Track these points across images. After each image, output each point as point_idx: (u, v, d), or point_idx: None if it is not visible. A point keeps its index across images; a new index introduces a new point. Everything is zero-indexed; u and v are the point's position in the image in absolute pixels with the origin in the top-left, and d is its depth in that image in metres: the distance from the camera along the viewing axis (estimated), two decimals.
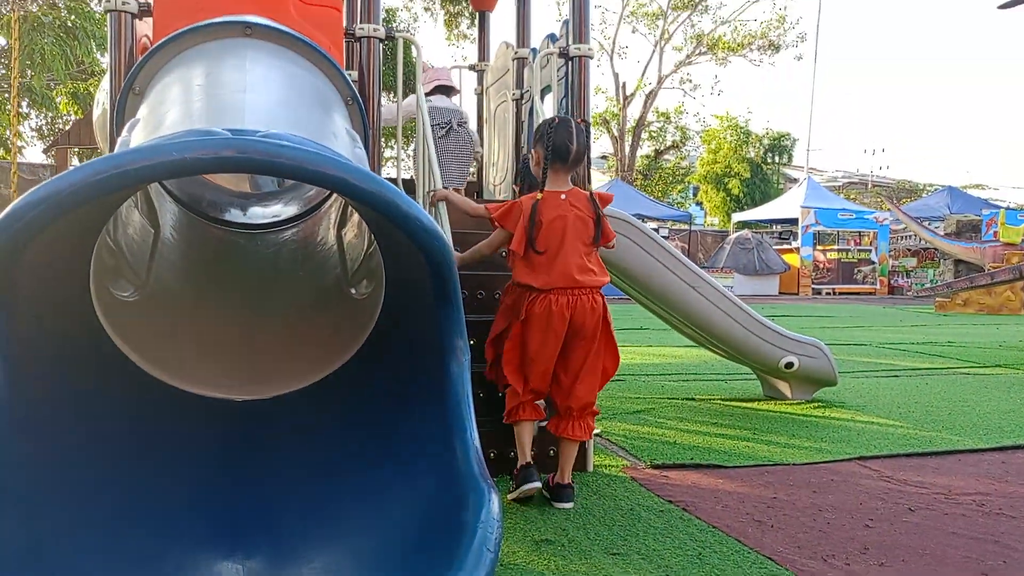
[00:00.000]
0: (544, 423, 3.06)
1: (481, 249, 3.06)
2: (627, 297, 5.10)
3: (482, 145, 5.76)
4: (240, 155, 1.54)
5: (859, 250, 23.71)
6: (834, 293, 22.63)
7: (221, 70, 2.44)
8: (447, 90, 5.38)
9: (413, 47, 4.25)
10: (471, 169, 5.61)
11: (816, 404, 4.89)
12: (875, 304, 18.10)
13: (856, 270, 23.41)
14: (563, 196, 2.88)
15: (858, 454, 3.63)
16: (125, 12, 3.26)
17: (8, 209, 1.44)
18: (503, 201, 3.74)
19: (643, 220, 20.79)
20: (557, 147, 2.87)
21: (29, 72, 7.25)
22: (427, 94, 5.00)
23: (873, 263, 23.46)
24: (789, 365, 4.76)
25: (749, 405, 4.90)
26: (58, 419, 1.83)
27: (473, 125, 5.78)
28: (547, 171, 2.89)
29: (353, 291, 2.55)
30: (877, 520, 2.72)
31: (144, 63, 2.57)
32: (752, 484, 3.18)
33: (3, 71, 12.23)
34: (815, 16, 26.10)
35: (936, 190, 29.35)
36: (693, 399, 5.10)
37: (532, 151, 3.03)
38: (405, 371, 2.15)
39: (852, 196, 33.59)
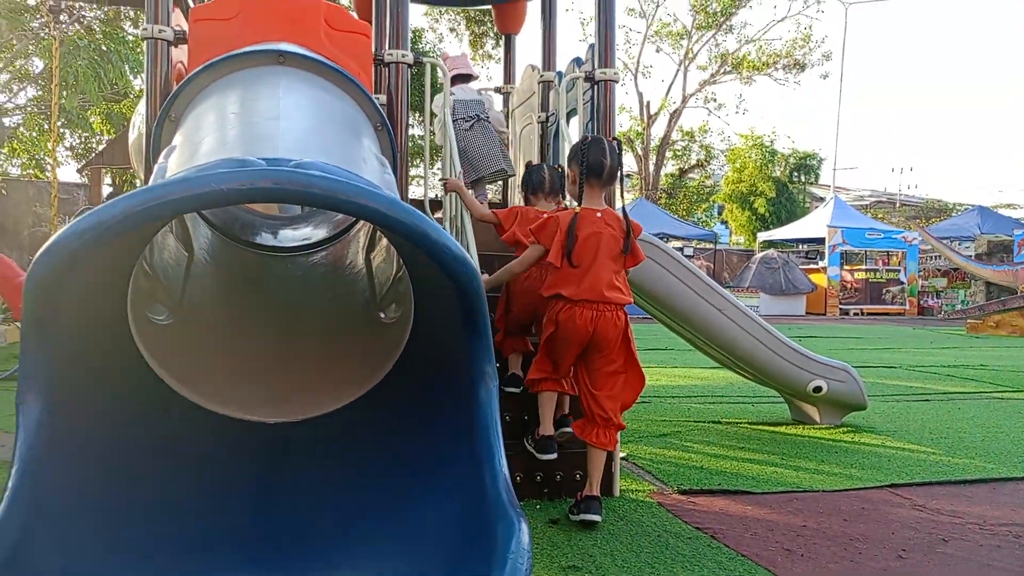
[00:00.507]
0: (568, 431, 3.15)
1: (512, 268, 3.13)
2: (651, 317, 5.09)
3: (507, 126, 5.79)
4: (276, 186, 1.57)
5: (887, 270, 23.42)
6: (862, 313, 22.34)
7: (255, 98, 2.50)
8: (466, 78, 5.39)
9: (440, 71, 4.31)
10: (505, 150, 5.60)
11: (845, 429, 4.83)
12: (904, 325, 17.84)
13: (884, 290, 23.11)
14: (599, 214, 2.98)
15: (889, 481, 3.58)
16: (161, 40, 3.34)
17: (53, 238, 1.48)
18: (509, 207, 3.83)
19: (667, 239, 20.76)
20: (592, 165, 2.98)
21: (63, 93, 7.44)
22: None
23: (902, 283, 23.14)
24: (817, 389, 4.70)
25: (776, 429, 4.84)
26: (94, 442, 1.86)
27: (498, 105, 5.83)
28: (583, 189, 2.99)
29: (382, 315, 2.57)
30: (910, 551, 2.67)
31: (180, 91, 2.63)
32: (781, 511, 3.14)
33: (37, 92, 12.55)
34: (841, 34, 25.97)
35: (966, 210, 28.93)
36: (719, 422, 5.05)
37: (568, 170, 3.15)
38: (433, 396, 2.16)
39: (880, 215, 33.23)
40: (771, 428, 4.87)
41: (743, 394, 6.18)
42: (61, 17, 6.23)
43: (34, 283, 1.52)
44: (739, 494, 3.38)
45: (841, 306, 22.50)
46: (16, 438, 1.66)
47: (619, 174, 3.09)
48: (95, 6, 10.86)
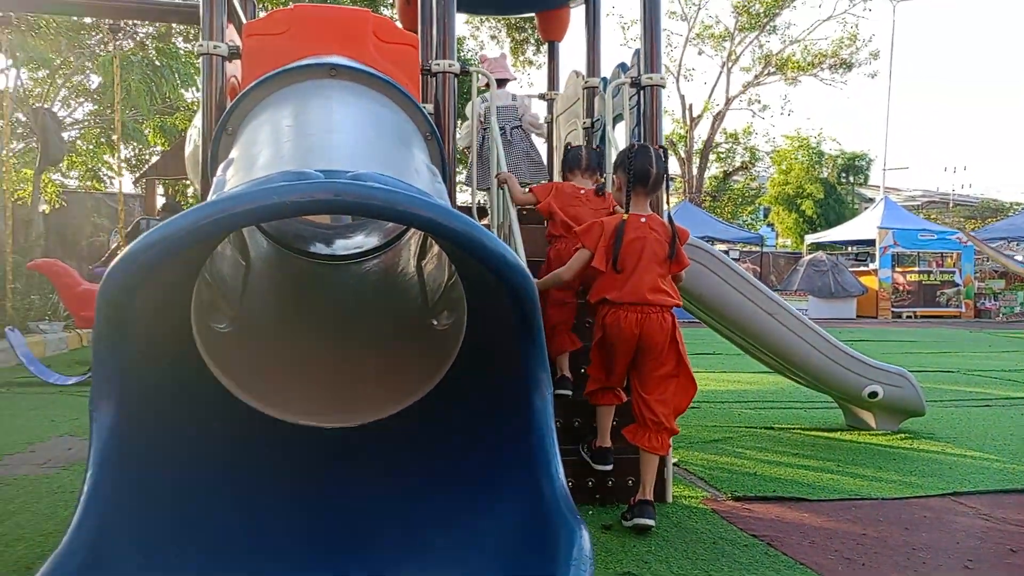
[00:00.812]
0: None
1: (561, 275, 3.14)
2: (698, 321, 5.04)
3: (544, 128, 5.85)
4: (335, 197, 1.61)
5: (941, 272, 22.78)
6: (915, 316, 21.77)
7: (309, 111, 2.55)
8: (501, 82, 5.43)
9: (484, 77, 4.34)
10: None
11: (903, 435, 4.71)
12: (960, 328, 17.34)
13: (939, 292, 22.47)
14: (643, 219, 3.04)
15: (952, 489, 3.48)
16: (216, 55, 3.43)
17: (124, 252, 1.54)
18: (546, 183, 3.94)
19: (712, 243, 20.50)
20: (638, 172, 3.04)
21: (116, 105, 7.73)
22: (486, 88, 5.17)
23: (957, 285, 22.48)
24: (873, 394, 4.60)
25: (831, 435, 4.75)
26: (162, 447, 1.92)
27: (540, 110, 5.88)
28: (630, 195, 3.06)
29: (435, 322, 2.60)
30: (977, 561, 2.60)
31: (236, 105, 2.70)
32: (839, 519, 3.08)
33: (93, 107, 12.96)
34: (889, 32, 25.42)
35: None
36: (772, 428, 4.98)
37: (614, 176, 3.23)
38: (488, 403, 2.17)
39: (932, 216, 32.36)
40: (825, 434, 4.78)
41: (795, 399, 6.07)
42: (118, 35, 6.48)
43: (107, 294, 1.58)
44: (795, 501, 3.32)
45: (893, 309, 21.95)
46: (90, 444, 1.72)
47: (664, 181, 3.15)
48: (148, 22, 11.19)
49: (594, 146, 4.25)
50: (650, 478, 2.97)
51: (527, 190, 3.87)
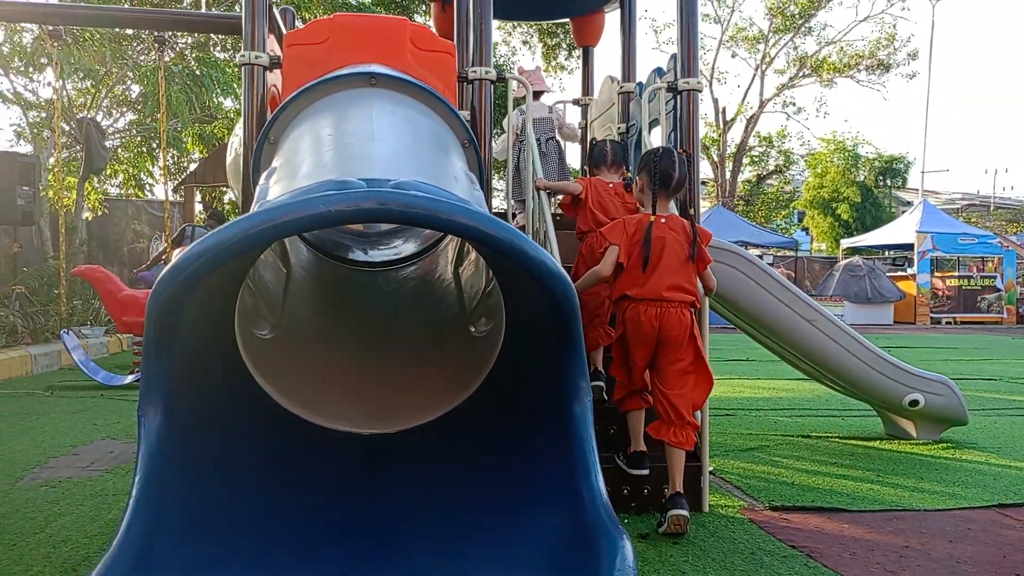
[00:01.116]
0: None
1: (600, 272, 3.17)
2: (732, 327, 4.99)
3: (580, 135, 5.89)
4: (380, 206, 1.63)
5: (982, 276, 22.28)
6: (955, 322, 21.32)
7: (349, 119, 2.58)
8: (537, 94, 5.48)
9: (522, 86, 4.36)
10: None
11: (945, 444, 4.62)
12: (1003, 335, 16.95)
13: (980, 298, 21.97)
14: (663, 220, 3.14)
15: (997, 501, 3.41)
16: (258, 65, 3.49)
17: (175, 262, 1.57)
18: (583, 178, 4.00)
19: (746, 247, 20.29)
20: (662, 176, 3.14)
21: (158, 116, 7.90)
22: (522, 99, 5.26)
23: (999, 290, 21.97)
24: (914, 403, 4.52)
25: (870, 444, 4.68)
26: (207, 451, 1.95)
27: (575, 117, 5.94)
28: (655, 196, 3.15)
29: (472, 328, 2.61)
30: None
31: (279, 114, 2.74)
32: (881, 531, 3.03)
33: (134, 116, 13.25)
34: (928, 33, 24.94)
35: None
36: (808, 436, 4.91)
37: (637, 178, 3.31)
38: (526, 411, 2.18)
39: (973, 219, 31.68)
40: (864, 443, 4.71)
41: (832, 407, 5.99)
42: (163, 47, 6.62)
43: (157, 302, 1.61)
44: (834, 511, 3.27)
45: (932, 315, 21.52)
46: (138, 449, 1.76)
47: (686, 184, 3.25)
48: (188, 33, 11.42)
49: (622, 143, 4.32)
50: (679, 474, 3.02)
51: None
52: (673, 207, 3.26)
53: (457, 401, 2.42)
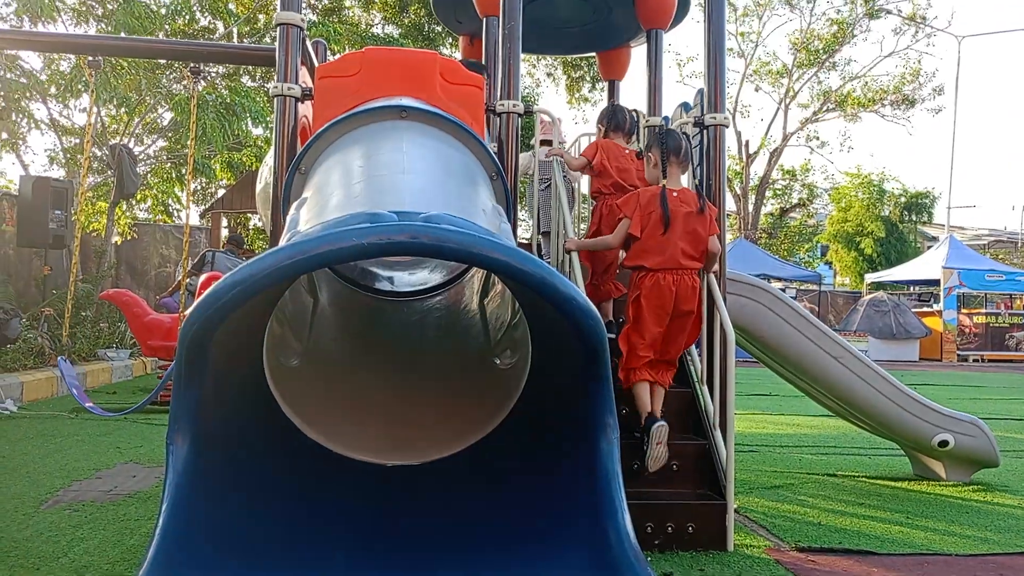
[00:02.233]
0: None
1: (609, 242, 3.48)
2: (755, 360, 4.94)
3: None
4: (412, 240, 1.64)
5: (1011, 314, 21.95)
6: (983, 360, 20.96)
7: (380, 151, 2.61)
8: (546, 143, 5.67)
9: (548, 116, 4.41)
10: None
11: (975, 487, 4.52)
12: None
13: (1008, 335, 21.61)
14: (675, 193, 3.36)
15: None
16: (290, 96, 3.55)
17: (209, 291, 1.59)
18: (590, 144, 4.25)
19: (768, 280, 20.16)
20: (673, 146, 3.40)
21: (190, 144, 8.10)
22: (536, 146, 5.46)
23: None
24: (943, 443, 4.43)
25: (898, 484, 4.58)
26: (232, 482, 1.96)
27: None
28: (665, 169, 3.39)
29: (497, 360, 2.61)
30: None
31: (310, 146, 2.78)
32: (910, 575, 2.95)
33: (165, 143, 13.51)
34: (954, 68, 24.86)
35: None
36: (835, 475, 4.82)
37: (648, 154, 3.55)
38: (552, 445, 2.16)
39: (1000, 256, 31.30)
40: (892, 483, 4.61)
41: (858, 445, 5.88)
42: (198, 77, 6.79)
43: (190, 332, 1.63)
44: (863, 554, 3.20)
45: (959, 352, 21.18)
46: (166, 476, 1.76)
47: (692, 157, 3.60)
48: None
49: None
50: (658, 403, 3.34)
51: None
52: (684, 180, 3.50)
53: (481, 434, 2.41)
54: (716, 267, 3.54)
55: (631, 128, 4.11)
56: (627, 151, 3.99)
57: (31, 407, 6.84)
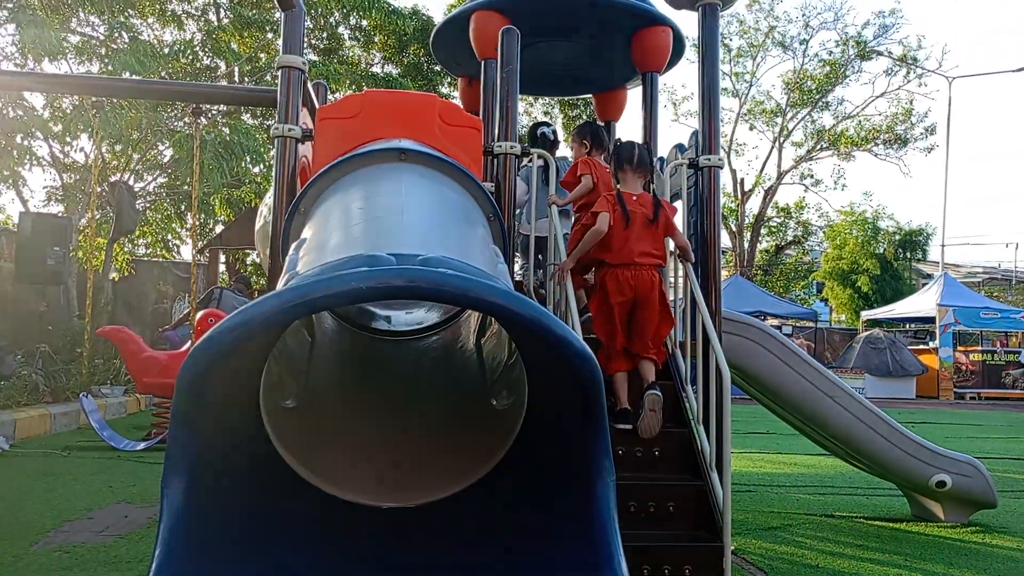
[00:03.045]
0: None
1: (599, 229, 3.61)
2: (750, 398, 4.94)
3: None
4: (409, 283, 1.65)
5: (1006, 351, 21.97)
6: (979, 398, 20.93)
7: (379, 194, 2.64)
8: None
9: (543, 160, 4.46)
10: None
11: (974, 528, 4.49)
12: None
13: (1004, 373, 21.61)
14: (635, 197, 3.69)
15: None
16: (290, 137, 3.60)
17: (208, 334, 1.60)
18: (576, 161, 4.46)
19: (764, 317, 20.18)
20: (627, 157, 3.75)
21: (190, 180, 8.16)
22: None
23: (1023, 366, 21.61)
24: (941, 484, 4.42)
25: (896, 526, 4.56)
26: (227, 526, 1.94)
27: None
28: (620, 176, 3.78)
29: (494, 401, 2.61)
30: None
31: (310, 186, 2.81)
32: None
33: (164, 179, 13.60)
34: (945, 108, 25.19)
35: None
36: (832, 516, 4.80)
37: (609, 167, 3.99)
38: (547, 488, 2.15)
39: (995, 293, 31.42)
40: (891, 524, 4.59)
41: (855, 484, 5.86)
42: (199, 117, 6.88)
43: (188, 374, 1.64)
44: None
45: (956, 390, 21.16)
46: (160, 521, 1.76)
47: (649, 164, 3.86)
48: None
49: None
50: (650, 375, 3.57)
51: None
52: (640, 186, 3.78)
53: (477, 476, 2.40)
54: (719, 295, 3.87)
55: (642, 160, 4.03)
56: (607, 168, 4.18)
57: (24, 444, 6.79)
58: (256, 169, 13.44)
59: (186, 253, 15.87)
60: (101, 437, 6.80)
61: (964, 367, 21.70)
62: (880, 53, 27.70)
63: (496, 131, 3.96)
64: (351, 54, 18.95)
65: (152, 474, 5.47)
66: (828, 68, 27.98)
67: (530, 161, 4.94)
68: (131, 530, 3.96)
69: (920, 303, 23.24)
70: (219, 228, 15.51)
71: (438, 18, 17.41)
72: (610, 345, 3.60)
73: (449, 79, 17.28)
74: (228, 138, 11.19)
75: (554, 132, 5.48)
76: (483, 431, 2.53)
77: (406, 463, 2.58)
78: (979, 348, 21.90)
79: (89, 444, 6.84)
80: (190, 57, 12.05)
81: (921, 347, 22.46)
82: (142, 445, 6.73)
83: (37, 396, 8.20)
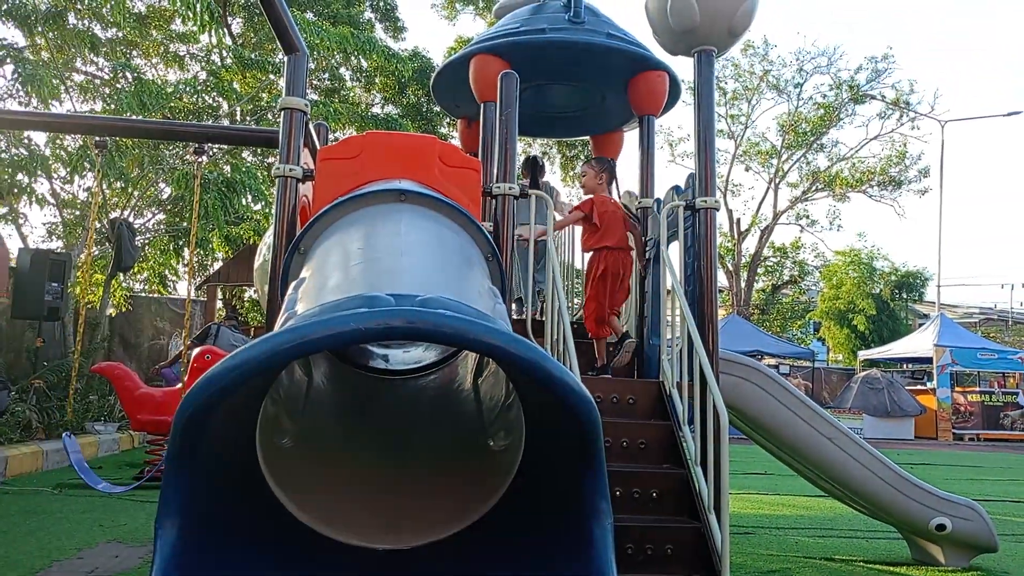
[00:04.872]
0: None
1: (568, 220, 5.35)
2: (748, 438, 4.92)
3: None
4: (408, 325, 1.67)
5: (1004, 392, 21.92)
6: (978, 439, 20.83)
7: (378, 234, 2.67)
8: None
9: (542, 201, 4.51)
10: None
11: (976, 572, 4.45)
12: None
13: (1003, 414, 21.54)
14: (611, 201, 4.86)
15: None
16: (291, 177, 3.64)
17: (206, 374, 1.61)
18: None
19: (761, 357, 20.17)
20: (610, 170, 5.13)
21: (189, 217, 8.20)
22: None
23: (1022, 407, 21.55)
24: (940, 527, 4.39)
25: (897, 570, 4.51)
26: (220, 567, 1.92)
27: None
28: (600, 184, 4.96)
29: (491, 442, 2.60)
30: None
31: (310, 226, 2.84)
32: None
33: (164, 216, 13.67)
34: (939, 150, 25.50)
35: None
36: (831, 559, 4.75)
37: (591, 172, 5.03)
38: (544, 530, 2.14)
39: (991, 334, 31.44)
40: (891, 568, 4.54)
41: (854, 527, 5.80)
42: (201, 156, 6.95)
43: (185, 415, 1.64)
44: None
45: (955, 431, 21.06)
46: (152, 563, 1.74)
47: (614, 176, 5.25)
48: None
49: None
50: (618, 326, 4.86)
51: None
52: (613, 192, 5.07)
53: (473, 518, 2.38)
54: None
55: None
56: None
57: (14, 482, 6.71)
58: (257, 207, 13.53)
59: (183, 289, 15.88)
60: (82, 477, 6.62)
61: (963, 408, 21.63)
62: (873, 97, 28.12)
63: (495, 172, 4.02)
64: (352, 94, 19.21)
65: (144, 512, 5.41)
66: (822, 111, 28.38)
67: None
68: (122, 570, 3.91)
69: (917, 343, 23.26)
70: (217, 265, 15.57)
71: (437, 60, 17.69)
72: (600, 311, 4.68)
73: (448, 120, 17.50)
74: (229, 176, 11.27)
75: (542, 157, 6.13)
76: (480, 472, 2.52)
77: (402, 504, 2.56)
78: (977, 389, 21.85)
79: (81, 482, 6.75)
80: (193, 96, 12.19)
81: (919, 387, 22.41)
82: (119, 489, 6.50)
83: (30, 432, 8.13)
